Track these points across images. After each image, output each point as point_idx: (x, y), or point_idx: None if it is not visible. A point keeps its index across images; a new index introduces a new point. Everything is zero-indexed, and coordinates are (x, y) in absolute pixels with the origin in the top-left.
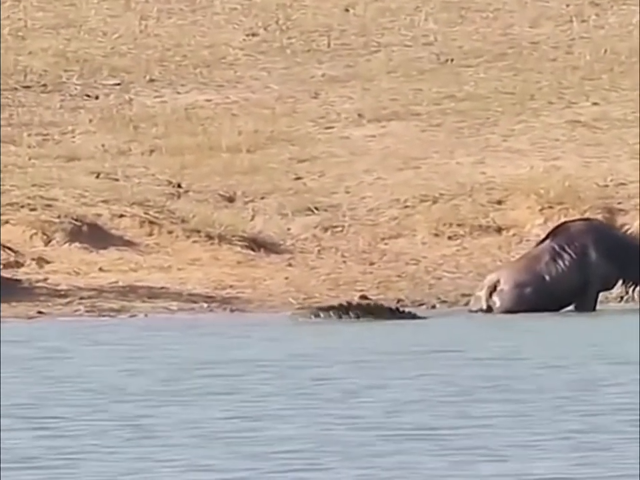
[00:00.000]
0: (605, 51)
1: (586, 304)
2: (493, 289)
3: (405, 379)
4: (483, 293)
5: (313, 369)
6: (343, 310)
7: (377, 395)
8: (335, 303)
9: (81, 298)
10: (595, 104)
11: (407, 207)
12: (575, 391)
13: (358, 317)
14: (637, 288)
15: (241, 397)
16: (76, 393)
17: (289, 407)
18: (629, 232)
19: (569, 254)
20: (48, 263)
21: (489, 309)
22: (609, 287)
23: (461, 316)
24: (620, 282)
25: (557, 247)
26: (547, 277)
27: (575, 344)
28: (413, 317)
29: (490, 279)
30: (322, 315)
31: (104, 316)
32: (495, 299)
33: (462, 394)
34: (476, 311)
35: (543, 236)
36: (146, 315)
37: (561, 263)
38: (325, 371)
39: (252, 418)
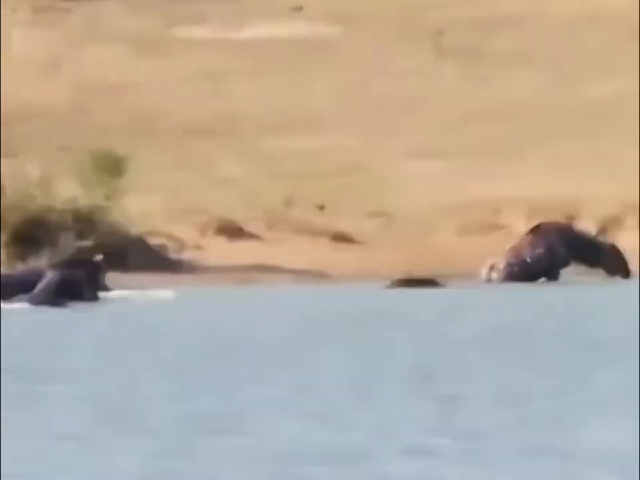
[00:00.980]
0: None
1: (553, 277)
2: (492, 267)
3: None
4: (485, 270)
5: None
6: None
7: None
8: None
9: (224, 271)
10: (563, 147)
11: (438, 213)
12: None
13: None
14: (588, 268)
15: None
16: None
17: None
18: (581, 229)
19: (542, 244)
20: (203, 248)
21: (489, 281)
22: (567, 266)
23: (472, 285)
24: (573, 263)
25: (534, 240)
26: (529, 260)
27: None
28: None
29: (491, 260)
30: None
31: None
32: (493, 274)
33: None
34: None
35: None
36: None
37: (537, 250)
38: None
39: None
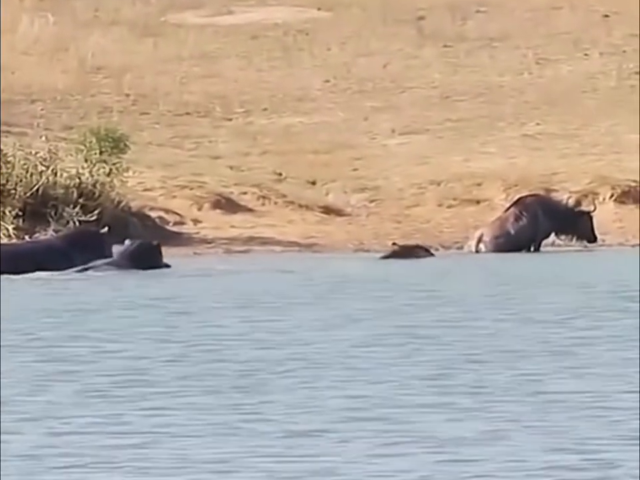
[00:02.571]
0: (544, 92)
1: (536, 247)
2: (480, 239)
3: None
4: (473, 242)
5: None
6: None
7: None
8: (380, 247)
9: (220, 244)
10: (537, 124)
11: (421, 187)
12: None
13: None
14: (564, 236)
15: None
16: None
17: None
18: (561, 201)
19: (525, 216)
20: (200, 222)
21: (477, 251)
22: (548, 237)
23: (459, 255)
24: (553, 233)
25: (517, 212)
26: (512, 232)
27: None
28: (432, 255)
29: (478, 232)
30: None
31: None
32: (481, 245)
33: None
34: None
35: (506, 206)
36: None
37: (520, 222)
38: None
39: None
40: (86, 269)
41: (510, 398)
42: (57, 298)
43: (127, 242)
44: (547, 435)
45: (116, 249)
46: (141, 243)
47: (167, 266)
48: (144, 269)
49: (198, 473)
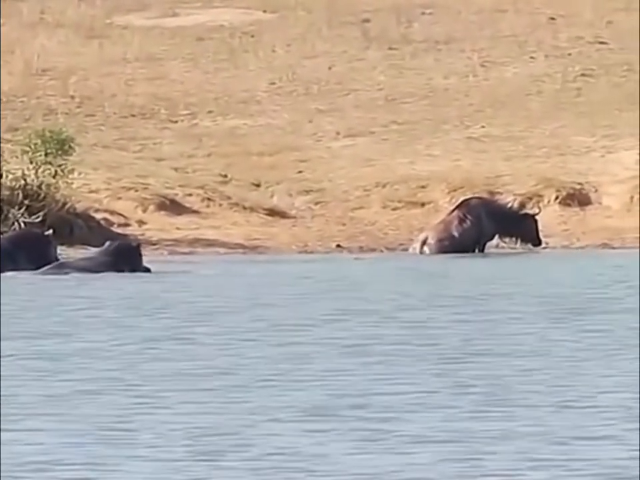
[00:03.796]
0: (489, 95)
1: (480, 249)
2: (424, 242)
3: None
4: (418, 244)
5: None
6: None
7: None
8: (324, 249)
9: (165, 245)
10: (482, 127)
11: (366, 190)
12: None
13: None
14: (509, 239)
15: None
16: None
17: None
18: (505, 204)
19: (469, 219)
20: (145, 223)
21: (422, 254)
22: (492, 239)
23: (403, 257)
24: (497, 235)
25: (461, 215)
26: (456, 234)
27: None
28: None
29: (423, 235)
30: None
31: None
32: (425, 248)
33: None
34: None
35: (451, 208)
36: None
37: (464, 224)
38: None
39: None
40: (61, 270)
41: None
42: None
43: (107, 243)
44: None
45: (94, 250)
46: (120, 243)
47: (147, 269)
48: (123, 271)
49: None
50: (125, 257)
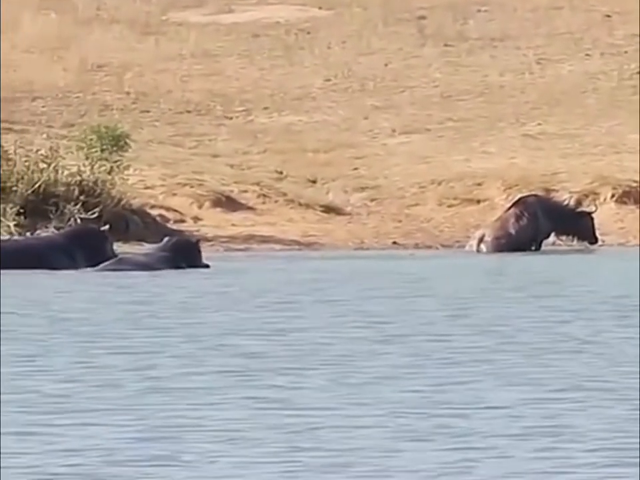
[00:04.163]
0: (545, 92)
1: (536, 247)
2: (481, 239)
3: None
4: (474, 242)
5: None
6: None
7: None
8: (380, 246)
9: (221, 242)
10: (538, 124)
11: (421, 187)
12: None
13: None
14: (565, 237)
15: None
16: None
17: None
18: (561, 202)
19: (526, 216)
20: (200, 220)
21: (478, 251)
22: (548, 237)
23: (460, 254)
24: (553, 233)
25: (518, 212)
26: (513, 232)
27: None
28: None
29: (479, 232)
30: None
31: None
32: (482, 246)
33: None
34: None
35: (507, 206)
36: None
37: (521, 222)
38: None
39: None
40: (118, 267)
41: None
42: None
43: (165, 239)
44: None
45: (151, 246)
46: (179, 239)
47: (207, 266)
48: (182, 267)
49: None
50: (184, 253)
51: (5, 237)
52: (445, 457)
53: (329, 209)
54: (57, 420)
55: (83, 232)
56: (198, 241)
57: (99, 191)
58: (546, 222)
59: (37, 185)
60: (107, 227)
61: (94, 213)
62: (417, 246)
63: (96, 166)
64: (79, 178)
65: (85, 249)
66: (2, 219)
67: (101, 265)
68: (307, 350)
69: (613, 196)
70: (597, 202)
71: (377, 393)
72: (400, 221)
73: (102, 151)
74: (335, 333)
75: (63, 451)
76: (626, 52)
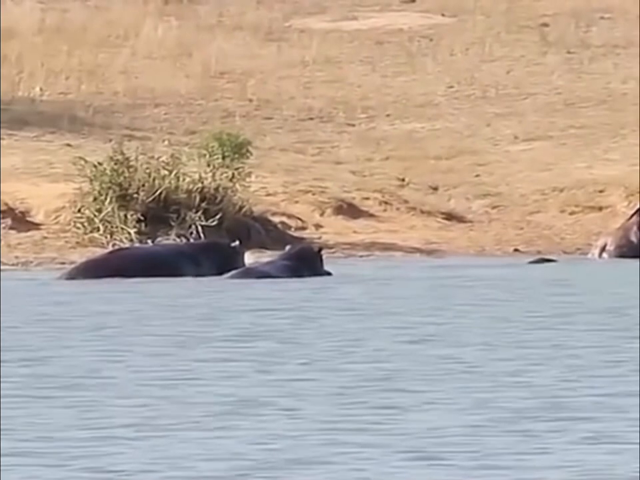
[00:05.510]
0: None
1: None
2: (603, 248)
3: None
4: (597, 250)
5: None
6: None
7: None
8: (501, 253)
9: (342, 249)
10: None
11: (543, 194)
12: None
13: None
14: None
15: None
16: None
17: None
18: None
19: None
20: (322, 227)
21: (601, 259)
22: None
23: (582, 262)
24: None
25: None
26: (635, 241)
27: None
28: (554, 261)
29: (601, 241)
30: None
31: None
32: (605, 254)
33: None
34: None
35: (629, 214)
36: None
37: None
38: None
39: None
40: (246, 275)
41: None
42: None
43: (288, 247)
44: None
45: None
46: (302, 247)
47: (329, 273)
48: (303, 276)
49: None
50: (306, 261)
51: (126, 244)
52: None
53: (451, 216)
54: None
55: (213, 247)
56: (320, 249)
57: (220, 198)
58: None
59: (158, 192)
60: (237, 243)
61: (214, 220)
62: (539, 253)
63: (217, 173)
64: (200, 185)
65: (214, 261)
66: (123, 226)
67: (227, 274)
68: None
69: None
70: None
71: None
72: (521, 228)
73: (224, 158)
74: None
75: None
76: None
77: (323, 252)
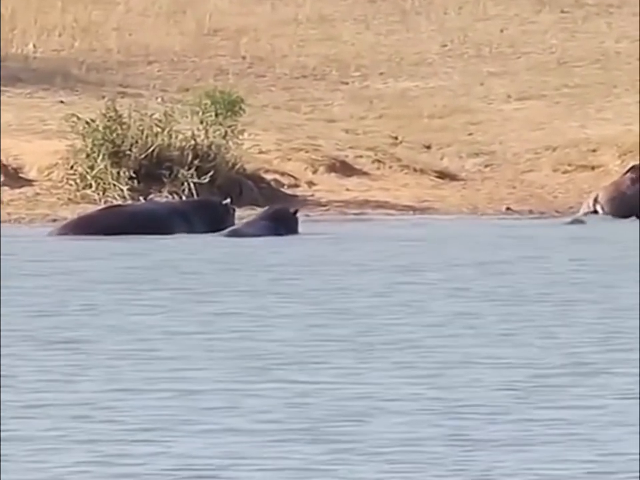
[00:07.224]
0: None
1: None
2: (595, 200)
3: None
4: (590, 202)
5: None
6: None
7: None
8: (493, 211)
9: (335, 206)
10: None
11: (536, 153)
12: None
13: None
14: None
15: None
16: None
17: None
18: None
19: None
20: (315, 185)
21: (595, 212)
22: None
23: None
24: None
25: (633, 177)
26: (628, 193)
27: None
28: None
29: (594, 193)
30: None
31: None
32: (597, 207)
33: None
34: (585, 214)
35: (622, 173)
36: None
37: (635, 186)
38: None
39: None
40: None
41: None
42: None
43: (266, 208)
44: None
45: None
46: (278, 208)
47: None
48: (281, 235)
49: None
50: (284, 221)
51: (118, 201)
52: None
53: (444, 175)
54: None
55: (205, 203)
56: (297, 211)
57: (213, 155)
58: None
59: (150, 150)
60: (228, 200)
61: (207, 178)
62: (530, 212)
63: (210, 130)
64: (193, 142)
65: (205, 218)
66: (115, 183)
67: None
68: None
69: None
70: None
71: None
72: (514, 187)
73: (216, 115)
74: None
75: None
76: None
77: (298, 213)
